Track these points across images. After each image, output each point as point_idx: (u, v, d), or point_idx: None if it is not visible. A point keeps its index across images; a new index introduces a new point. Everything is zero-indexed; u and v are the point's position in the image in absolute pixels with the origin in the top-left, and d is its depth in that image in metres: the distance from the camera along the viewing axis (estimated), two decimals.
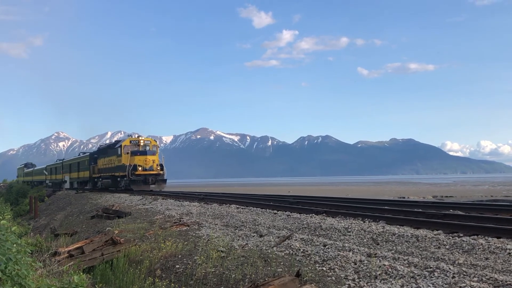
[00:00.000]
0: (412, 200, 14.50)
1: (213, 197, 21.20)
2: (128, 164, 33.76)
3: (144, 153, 34.75)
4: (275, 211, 14.11)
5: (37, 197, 40.37)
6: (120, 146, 36.05)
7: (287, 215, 12.94)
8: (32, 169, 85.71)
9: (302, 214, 12.94)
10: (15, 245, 5.53)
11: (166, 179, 34.61)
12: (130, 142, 35.98)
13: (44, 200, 44.33)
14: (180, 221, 13.86)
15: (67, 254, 10.55)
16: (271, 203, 16.27)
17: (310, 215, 12.69)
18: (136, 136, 37.22)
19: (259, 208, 15.26)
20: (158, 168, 34.56)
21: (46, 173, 69.39)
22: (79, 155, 57.62)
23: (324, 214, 12.75)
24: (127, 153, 34.86)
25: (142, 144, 35.96)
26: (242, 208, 15.64)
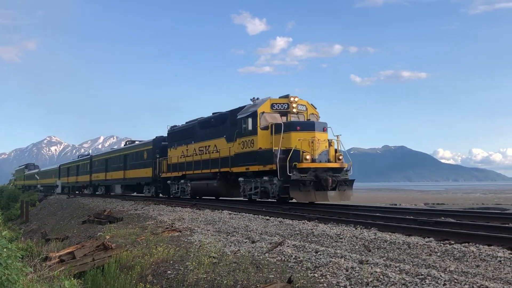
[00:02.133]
0: (404, 207, 14.56)
1: (205, 203, 21.16)
2: (276, 148, 17.57)
3: (309, 126, 18.10)
4: (268, 217, 14.09)
5: (28, 202, 40.12)
6: (253, 114, 19.20)
7: (280, 221, 12.93)
8: (36, 170, 75.70)
9: (294, 221, 12.94)
10: (5, 250, 5.50)
11: (353, 180, 18.11)
12: (273, 106, 19.24)
13: (35, 205, 44.03)
14: (172, 226, 13.82)
15: (58, 259, 10.51)
16: (264, 209, 16.26)
17: (303, 221, 12.69)
18: (289, 97, 19.56)
19: (251, 214, 15.24)
20: (341, 159, 18.67)
21: (53, 176, 60.58)
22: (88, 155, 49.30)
23: (316, 220, 12.75)
24: (267, 127, 18.79)
25: (295, 110, 19.46)
26: (235, 214, 15.62)
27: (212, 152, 22.86)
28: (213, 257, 8.74)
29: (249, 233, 11.48)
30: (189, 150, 25.44)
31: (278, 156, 17.37)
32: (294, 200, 17.89)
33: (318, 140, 17.77)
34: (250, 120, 19.31)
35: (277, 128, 18.17)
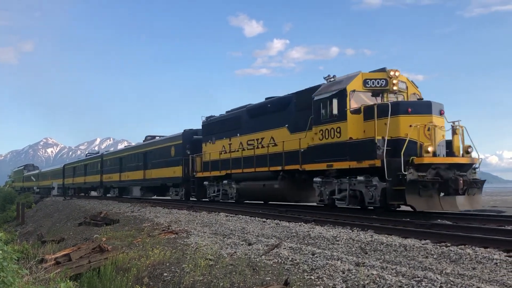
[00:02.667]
0: (401, 209, 14.57)
1: (202, 205, 21.12)
2: (379, 138, 13.42)
3: (425, 108, 13.99)
4: (264, 220, 14.09)
5: (24, 204, 40.03)
6: (340, 93, 14.78)
7: (276, 224, 12.94)
8: (36, 171, 71.68)
9: (291, 223, 12.94)
10: (1, 252, 5.49)
11: (484, 181, 14.20)
12: (366, 83, 14.89)
13: (31, 207, 43.94)
14: (168, 228, 13.81)
15: (54, 261, 10.49)
16: (260, 211, 16.24)
17: (299, 223, 12.70)
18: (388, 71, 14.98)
19: (248, 216, 15.24)
20: (470, 151, 14.16)
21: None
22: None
23: (313, 222, 12.75)
24: (358, 111, 14.52)
25: (396, 88, 15.03)
26: (231, 216, 15.61)
27: (269, 146, 18.82)
28: (210, 259, 8.72)
29: (245, 235, 11.47)
30: (233, 145, 21.51)
31: (383, 148, 13.07)
32: (404, 207, 14.09)
33: (435, 126, 13.58)
34: (335, 101, 14.67)
35: (381, 110, 13.64)
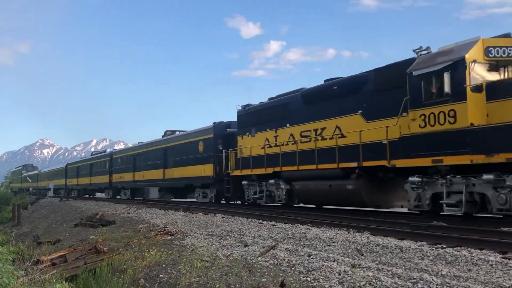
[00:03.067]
0: (397, 211, 14.54)
1: (198, 206, 21.07)
2: None
3: None
4: (261, 221, 14.08)
5: (20, 205, 39.91)
6: (456, 64, 11.46)
7: (273, 225, 12.94)
8: (35, 172, 68.32)
9: (287, 224, 12.93)
10: None
11: None
12: (488, 52, 11.48)
13: (27, 208, 43.83)
14: (164, 230, 13.80)
15: (49, 263, 10.47)
16: (257, 213, 16.21)
17: (296, 225, 12.68)
18: None
19: (244, 218, 15.22)
20: None
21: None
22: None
23: (309, 224, 12.74)
24: (479, 88, 11.25)
25: None
26: (228, 218, 15.60)
27: (335, 137, 15.43)
28: (206, 261, 8.72)
29: (242, 236, 11.47)
30: (280, 137, 18.28)
31: None
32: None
33: None
34: (447, 76, 11.42)
35: None
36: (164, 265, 9.17)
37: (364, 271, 6.88)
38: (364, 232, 10.64)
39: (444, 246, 8.49)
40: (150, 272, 9.04)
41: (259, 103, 20.63)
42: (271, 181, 18.51)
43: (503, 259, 7.13)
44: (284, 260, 8.22)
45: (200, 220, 15.71)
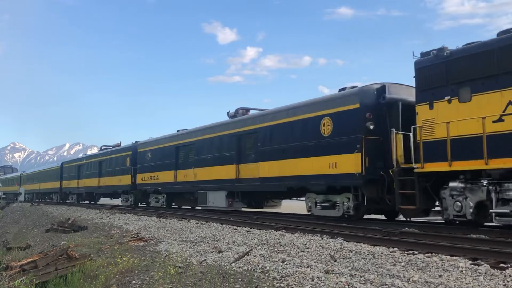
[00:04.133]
0: (370, 217, 14.70)
1: (172, 212, 20.92)
2: None
3: None
4: (235, 227, 14.06)
5: None
6: None
7: (247, 231, 12.93)
8: (16, 174, 61.01)
9: (262, 230, 12.95)
10: None
11: None
12: None
13: None
14: (137, 236, 13.67)
15: (19, 269, 10.25)
16: (231, 219, 16.19)
17: (270, 231, 12.71)
18: None
19: (218, 224, 15.18)
20: None
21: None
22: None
23: (283, 230, 12.78)
24: None
25: None
26: (202, 224, 15.53)
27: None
28: (179, 267, 8.67)
29: (216, 242, 11.43)
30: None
31: None
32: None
33: None
34: None
35: None
36: (137, 271, 9.08)
37: (337, 277, 6.92)
38: (338, 238, 10.71)
39: (416, 252, 8.60)
40: (122, 278, 8.94)
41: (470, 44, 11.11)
42: None
43: (472, 265, 7.26)
44: (258, 266, 8.23)
45: (174, 225, 15.60)
